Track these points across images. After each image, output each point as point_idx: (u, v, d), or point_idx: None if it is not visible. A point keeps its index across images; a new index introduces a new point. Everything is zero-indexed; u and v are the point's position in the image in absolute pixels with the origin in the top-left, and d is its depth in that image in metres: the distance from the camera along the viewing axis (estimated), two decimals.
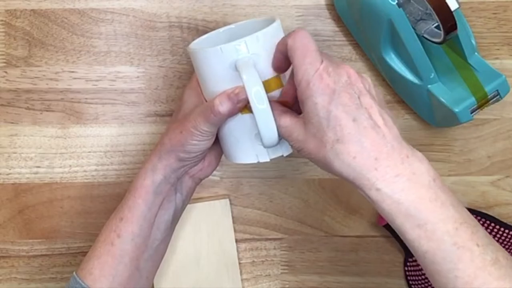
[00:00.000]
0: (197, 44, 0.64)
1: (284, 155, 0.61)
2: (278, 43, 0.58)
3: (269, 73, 0.58)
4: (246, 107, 0.58)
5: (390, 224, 0.53)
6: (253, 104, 0.55)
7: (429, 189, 0.53)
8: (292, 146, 0.57)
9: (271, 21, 0.60)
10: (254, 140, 0.60)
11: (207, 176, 0.67)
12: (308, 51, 0.54)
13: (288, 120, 0.56)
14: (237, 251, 0.76)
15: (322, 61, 0.54)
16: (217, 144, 0.64)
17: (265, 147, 0.57)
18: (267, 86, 0.57)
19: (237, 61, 0.57)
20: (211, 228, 0.75)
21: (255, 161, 0.61)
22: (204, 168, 0.66)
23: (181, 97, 0.65)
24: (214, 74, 0.59)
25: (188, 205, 0.75)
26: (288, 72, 0.60)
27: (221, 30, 0.66)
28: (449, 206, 0.52)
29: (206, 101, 0.62)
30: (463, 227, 0.52)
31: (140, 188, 0.63)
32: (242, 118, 0.59)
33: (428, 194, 0.52)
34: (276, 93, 0.59)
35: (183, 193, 0.66)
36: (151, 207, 0.63)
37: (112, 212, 0.64)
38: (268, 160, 0.61)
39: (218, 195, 0.76)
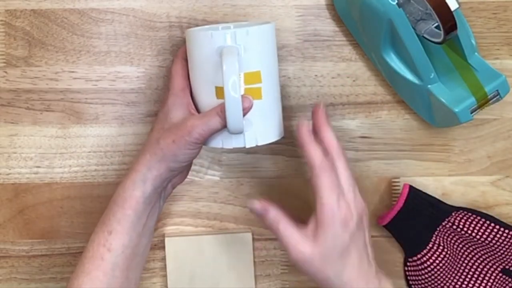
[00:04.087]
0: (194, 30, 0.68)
1: (246, 146, 0.64)
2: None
3: (251, 67, 0.63)
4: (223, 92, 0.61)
5: None
6: (227, 90, 0.60)
7: None
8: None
9: (267, 23, 0.66)
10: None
11: (182, 182, 0.69)
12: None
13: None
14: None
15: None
16: None
17: (230, 132, 0.62)
18: (247, 78, 0.63)
19: (223, 48, 0.61)
20: (231, 261, 0.75)
21: (220, 146, 0.65)
22: (182, 175, 0.69)
23: (163, 103, 0.66)
24: (202, 57, 0.64)
25: (210, 236, 0.75)
26: (271, 69, 0.65)
27: (220, 26, 0.70)
28: None
29: (191, 85, 0.66)
30: None
31: (129, 199, 0.63)
32: (217, 103, 0.63)
33: None
34: (254, 86, 0.63)
35: (165, 199, 0.68)
36: (141, 217, 0.64)
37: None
38: (231, 147, 0.64)
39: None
